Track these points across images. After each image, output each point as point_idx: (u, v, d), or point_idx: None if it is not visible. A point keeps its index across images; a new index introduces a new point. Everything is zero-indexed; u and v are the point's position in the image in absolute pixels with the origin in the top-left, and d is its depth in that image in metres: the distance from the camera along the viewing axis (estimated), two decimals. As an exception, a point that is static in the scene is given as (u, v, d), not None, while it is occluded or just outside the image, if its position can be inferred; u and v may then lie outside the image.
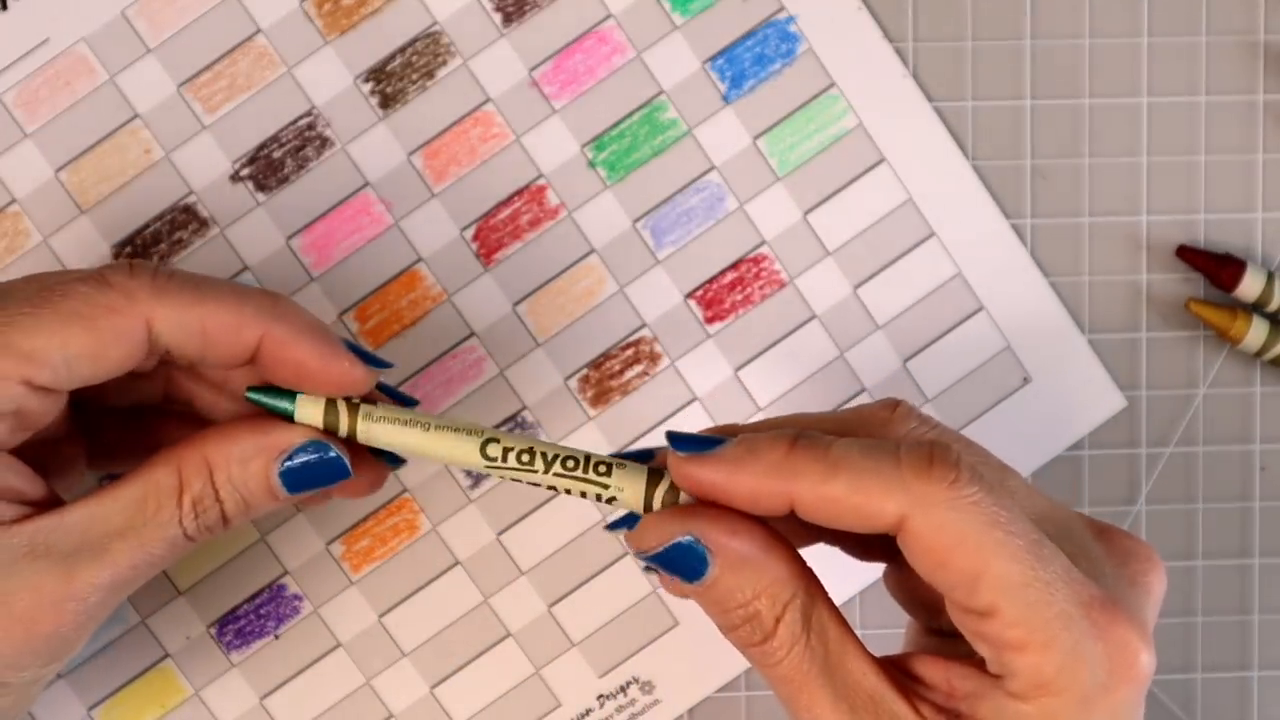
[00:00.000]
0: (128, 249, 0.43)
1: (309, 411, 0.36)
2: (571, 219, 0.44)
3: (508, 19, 0.44)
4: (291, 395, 0.36)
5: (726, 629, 0.33)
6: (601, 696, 0.45)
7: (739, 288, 0.44)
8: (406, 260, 0.44)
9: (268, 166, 0.43)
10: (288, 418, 0.36)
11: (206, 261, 0.43)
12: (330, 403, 0.36)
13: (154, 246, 0.43)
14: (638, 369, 0.44)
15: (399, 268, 0.44)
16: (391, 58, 0.43)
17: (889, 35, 0.44)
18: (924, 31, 0.45)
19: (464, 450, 0.35)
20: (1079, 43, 0.45)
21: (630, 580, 0.45)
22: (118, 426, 0.40)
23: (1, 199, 0.43)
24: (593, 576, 0.45)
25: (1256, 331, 0.44)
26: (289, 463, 0.35)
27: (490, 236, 0.44)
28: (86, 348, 0.34)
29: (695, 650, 0.45)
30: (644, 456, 0.36)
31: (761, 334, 0.45)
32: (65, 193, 0.43)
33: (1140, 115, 0.45)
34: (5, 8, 0.43)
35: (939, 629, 0.36)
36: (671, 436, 0.33)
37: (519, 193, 0.44)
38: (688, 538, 0.33)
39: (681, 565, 0.33)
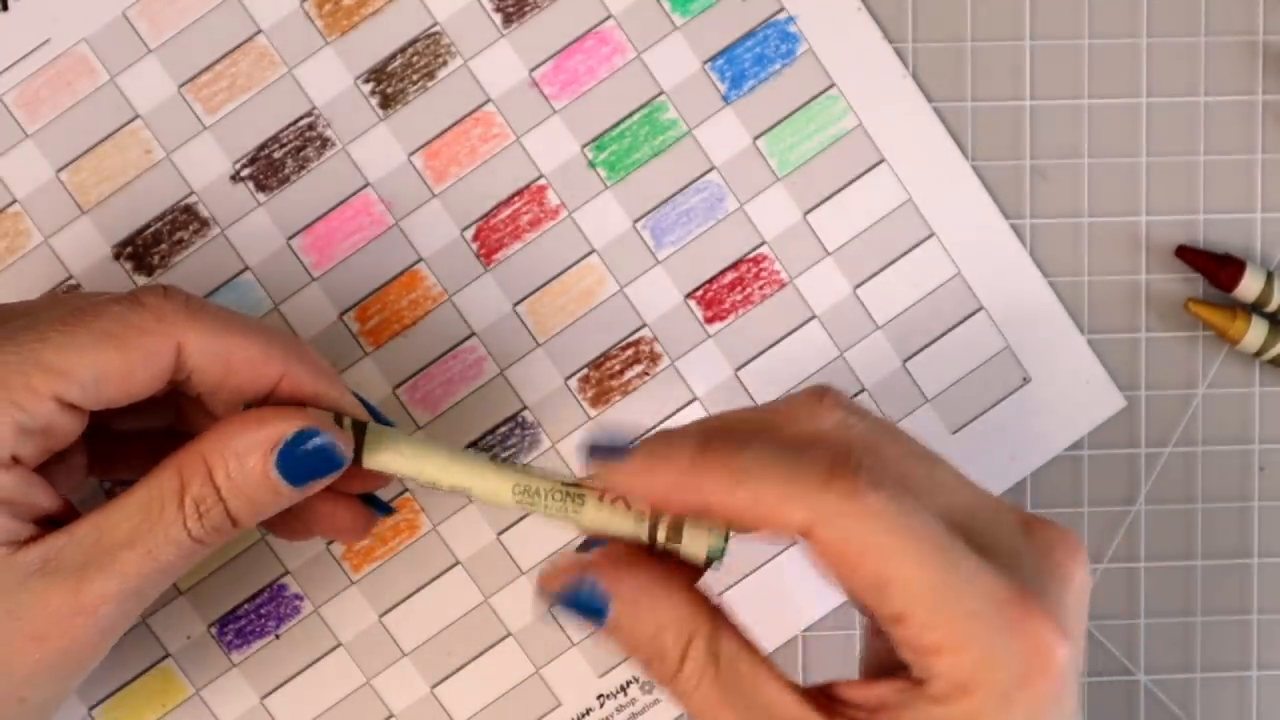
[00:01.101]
0: (128, 249, 0.43)
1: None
2: (572, 219, 0.44)
3: (508, 19, 0.44)
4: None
5: (642, 668, 0.34)
6: (601, 696, 0.45)
7: (739, 288, 0.44)
8: (407, 260, 0.44)
9: (268, 167, 0.43)
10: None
11: (207, 262, 0.43)
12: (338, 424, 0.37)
13: (154, 247, 0.43)
14: (638, 369, 0.44)
15: (399, 268, 0.44)
16: (392, 58, 0.44)
17: (889, 35, 0.44)
18: (924, 31, 0.45)
19: (481, 480, 0.36)
20: (1079, 43, 0.45)
21: (630, 580, 0.45)
22: (121, 444, 0.40)
23: (2, 199, 0.43)
24: (593, 576, 0.45)
25: (1256, 331, 0.44)
26: (284, 452, 0.35)
27: (490, 236, 0.44)
28: (117, 367, 0.34)
29: (695, 650, 0.45)
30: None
31: (761, 334, 0.45)
32: (66, 193, 0.43)
33: (1140, 115, 0.45)
34: (6, 8, 0.43)
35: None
36: (586, 449, 0.34)
37: (519, 193, 0.44)
38: (585, 579, 0.33)
39: (582, 607, 0.33)
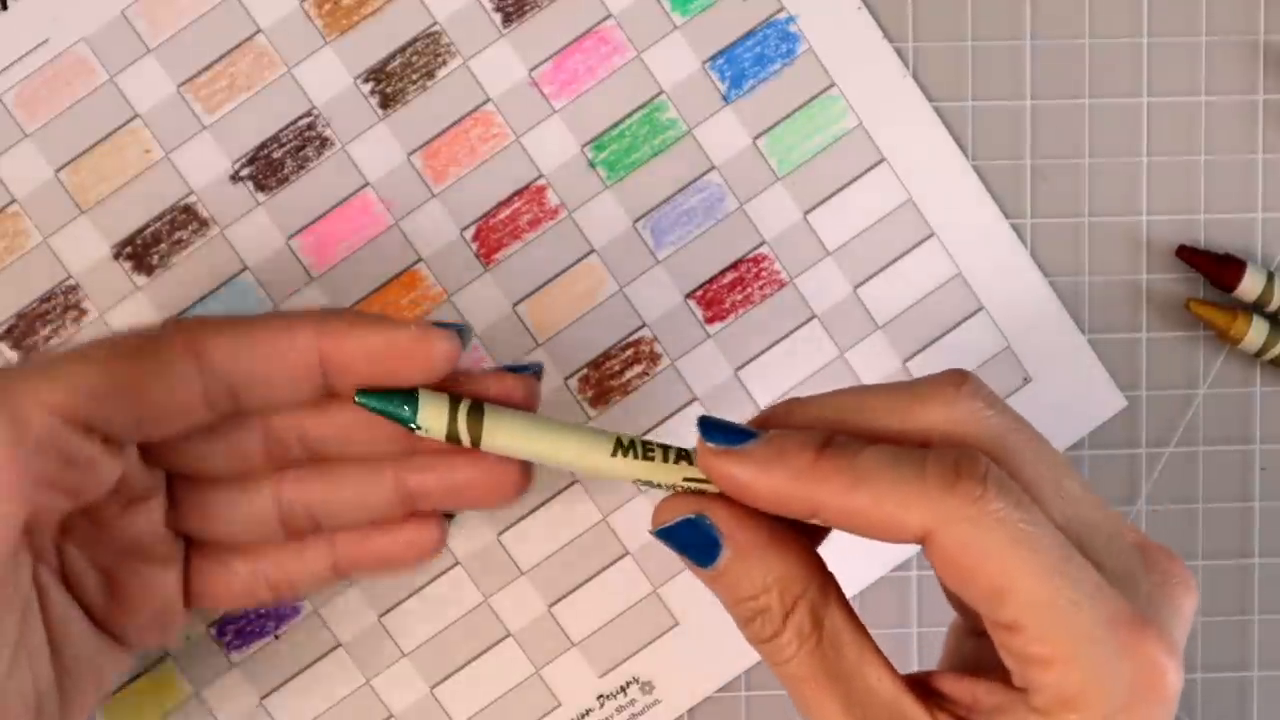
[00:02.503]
0: (127, 249, 0.43)
1: (432, 415, 0.34)
2: (571, 219, 0.44)
3: (508, 19, 0.44)
4: (410, 396, 0.34)
5: (740, 623, 0.33)
6: (601, 696, 0.45)
7: (739, 288, 0.44)
8: (406, 260, 0.44)
9: (268, 166, 0.43)
10: (405, 424, 0.34)
11: (206, 262, 0.43)
12: (452, 405, 0.34)
13: (154, 247, 0.43)
14: (638, 369, 0.44)
15: (399, 268, 0.44)
16: (391, 58, 0.43)
17: (889, 35, 0.44)
18: (924, 31, 0.45)
19: (594, 446, 0.34)
20: (1079, 43, 0.45)
21: (630, 580, 0.45)
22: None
23: (1, 199, 0.43)
24: (593, 576, 0.45)
25: (1256, 331, 0.44)
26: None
27: (490, 236, 0.44)
28: (131, 377, 0.32)
29: (695, 650, 0.45)
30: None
31: (761, 334, 0.45)
32: (65, 193, 0.43)
33: (1140, 115, 0.45)
34: (5, 7, 0.43)
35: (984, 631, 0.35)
36: (703, 423, 0.32)
37: (519, 193, 0.44)
38: (702, 517, 0.32)
39: (691, 544, 0.32)
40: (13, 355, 0.43)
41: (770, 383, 0.45)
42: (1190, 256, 0.45)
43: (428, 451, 0.36)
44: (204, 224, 0.43)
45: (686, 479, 0.33)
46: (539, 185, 0.44)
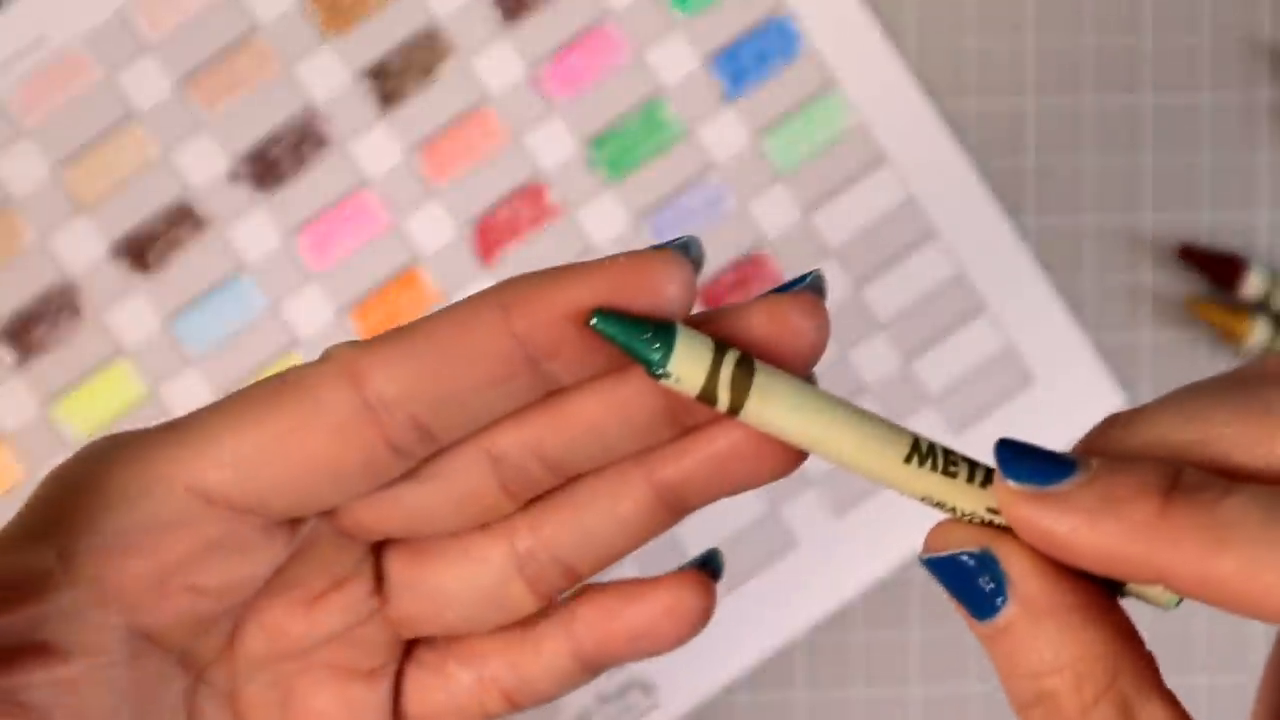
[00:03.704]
0: (125, 247, 0.43)
1: (689, 360, 0.24)
2: (571, 218, 0.44)
3: (508, 17, 0.44)
4: (665, 332, 0.24)
5: (1016, 706, 0.25)
6: (601, 698, 0.45)
7: (739, 288, 0.44)
8: (406, 260, 0.44)
9: (266, 165, 0.43)
10: (650, 367, 0.24)
11: (204, 261, 0.43)
12: (715, 357, 0.24)
13: (152, 245, 0.43)
14: (638, 369, 0.44)
15: (398, 267, 0.44)
16: (391, 55, 0.43)
17: (890, 34, 0.44)
18: (925, 30, 0.44)
19: (886, 442, 0.25)
20: (1079, 43, 0.45)
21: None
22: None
23: (-2, 197, 0.43)
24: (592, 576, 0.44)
25: (1259, 331, 0.44)
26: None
27: (490, 236, 0.44)
28: (276, 432, 0.24)
29: (695, 653, 0.45)
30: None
31: (762, 334, 0.44)
32: (63, 191, 0.43)
33: (1140, 115, 0.45)
34: (1, 6, 0.43)
35: None
36: (1003, 450, 0.24)
37: (519, 192, 0.44)
38: (987, 552, 0.24)
39: (964, 587, 0.24)
40: (12, 355, 0.43)
41: (771, 383, 0.44)
42: (1192, 256, 0.44)
43: (673, 432, 0.26)
44: (202, 223, 0.43)
45: (991, 510, 0.25)
46: (539, 184, 0.44)
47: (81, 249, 0.43)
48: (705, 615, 0.28)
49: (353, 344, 0.24)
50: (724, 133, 0.44)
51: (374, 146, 0.43)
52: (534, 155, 0.44)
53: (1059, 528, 0.23)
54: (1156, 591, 0.25)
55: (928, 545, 0.25)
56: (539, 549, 0.27)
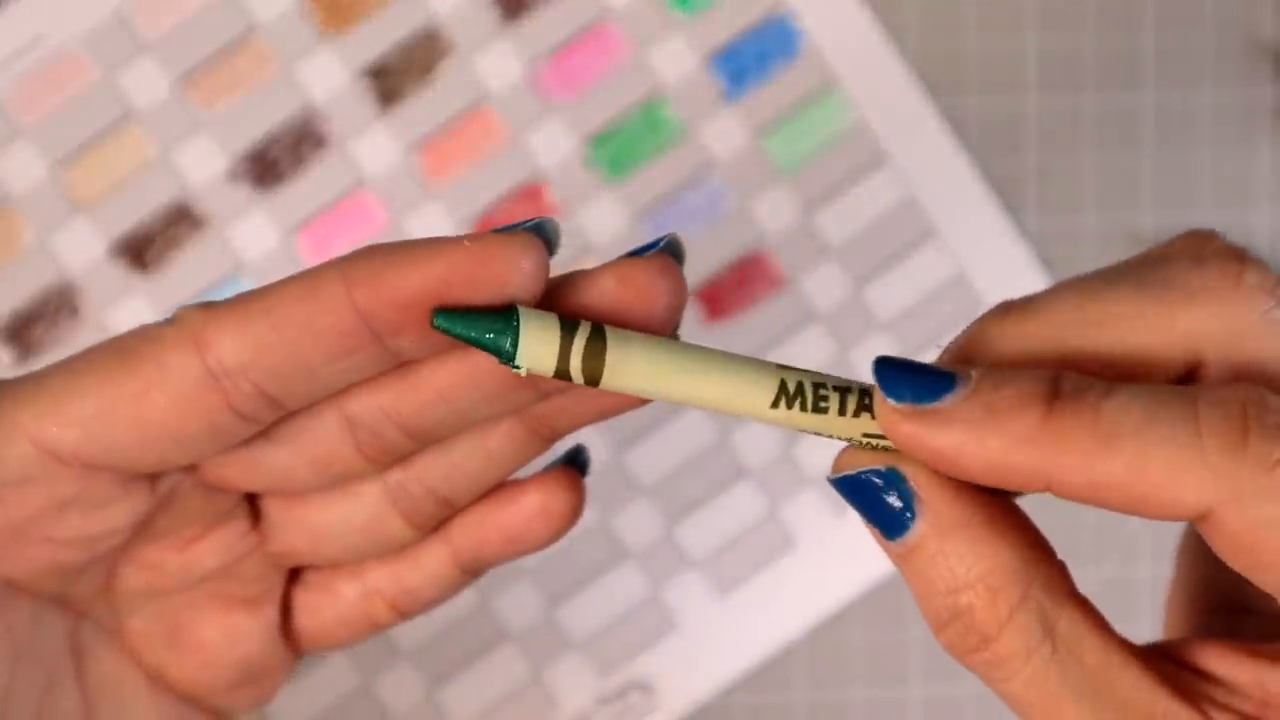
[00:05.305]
0: (124, 247, 0.43)
1: (538, 348, 0.23)
2: (571, 218, 0.44)
3: (507, 16, 0.43)
4: (505, 318, 0.23)
5: (934, 626, 0.25)
6: (601, 699, 0.44)
7: (739, 287, 0.44)
8: (405, 259, 0.43)
9: (265, 165, 0.43)
10: (501, 358, 0.23)
11: (203, 260, 0.43)
12: (564, 330, 0.24)
13: (150, 245, 0.43)
14: (637, 369, 0.44)
15: (397, 266, 0.43)
16: (390, 55, 0.43)
17: (890, 33, 0.44)
18: (925, 29, 0.44)
19: (749, 390, 0.24)
20: (1079, 42, 0.45)
21: (630, 582, 0.44)
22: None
23: (-4, 197, 0.43)
24: (593, 578, 0.44)
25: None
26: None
27: (489, 235, 0.44)
28: (123, 391, 0.24)
29: (694, 654, 0.45)
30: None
31: (761, 334, 0.44)
32: (61, 191, 0.43)
33: (1140, 115, 0.45)
34: None
35: (1241, 606, 0.27)
36: (881, 367, 0.23)
37: (518, 191, 0.44)
38: (894, 470, 0.24)
39: (873, 506, 0.24)
40: (11, 355, 0.43)
41: (770, 382, 0.44)
42: (1191, 256, 0.44)
43: (534, 395, 0.26)
44: (201, 222, 0.43)
45: (868, 435, 0.24)
46: (538, 183, 0.44)
47: (80, 249, 0.43)
48: (575, 512, 0.28)
49: (203, 306, 0.24)
50: (724, 132, 0.44)
51: (373, 146, 0.43)
52: (533, 154, 0.44)
53: (944, 444, 0.23)
54: None
55: (836, 466, 0.24)
56: (410, 481, 0.28)
